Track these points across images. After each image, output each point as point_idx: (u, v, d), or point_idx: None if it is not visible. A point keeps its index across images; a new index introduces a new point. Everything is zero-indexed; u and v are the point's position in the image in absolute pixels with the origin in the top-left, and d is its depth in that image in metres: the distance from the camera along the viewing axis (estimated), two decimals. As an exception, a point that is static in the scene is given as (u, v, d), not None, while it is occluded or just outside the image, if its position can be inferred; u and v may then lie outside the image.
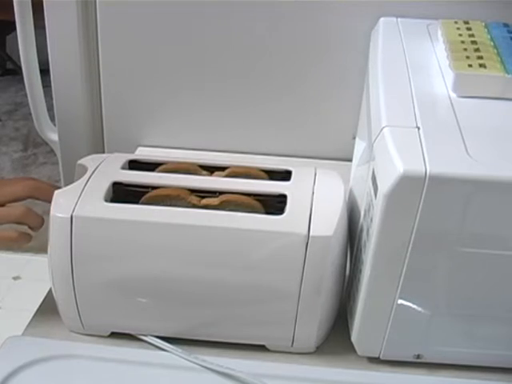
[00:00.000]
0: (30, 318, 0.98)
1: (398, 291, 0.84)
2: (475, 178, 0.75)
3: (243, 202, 0.91)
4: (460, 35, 1.01)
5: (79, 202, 0.88)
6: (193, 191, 0.93)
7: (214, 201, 0.91)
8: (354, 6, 1.21)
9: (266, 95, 1.32)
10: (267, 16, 1.24)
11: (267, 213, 0.90)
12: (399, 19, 1.15)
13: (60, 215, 0.87)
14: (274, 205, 0.92)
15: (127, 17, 1.27)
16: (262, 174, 0.98)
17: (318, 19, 1.23)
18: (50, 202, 0.88)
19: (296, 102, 1.32)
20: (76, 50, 1.29)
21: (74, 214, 0.87)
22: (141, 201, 0.92)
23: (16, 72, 3.75)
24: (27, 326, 0.97)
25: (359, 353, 0.93)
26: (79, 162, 0.98)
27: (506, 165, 0.77)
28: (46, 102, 1.41)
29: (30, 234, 0.94)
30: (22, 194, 0.93)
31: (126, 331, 0.95)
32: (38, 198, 0.93)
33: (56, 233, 0.88)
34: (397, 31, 1.10)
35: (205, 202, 0.92)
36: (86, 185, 0.91)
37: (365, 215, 0.87)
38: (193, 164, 0.99)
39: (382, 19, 1.15)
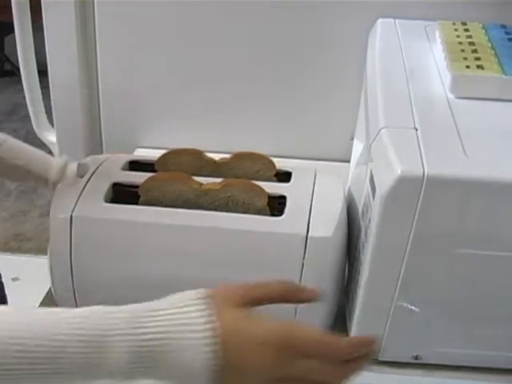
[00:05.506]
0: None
1: (397, 292, 0.84)
2: (473, 179, 0.76)
3: (245, 186, 0.91)
4: (458, 36, 1.01)
5: (79, 203, 0.89)
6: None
7: (216, 185, 0.91)
8: (351, 8, 1.21)
9: (265, 97, 1.32)
10: (265, 18, 1.24)
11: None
12: (397, 20, 1.15)
13: (60, 215, 0.88)
14: (274, 206, 0.92)
15: (125, 17, 1.27)
16: (265, 157, 0.99)
17: (316, 21, 1.23)
18: (302, 302, 0.72)
19: (294, 104, 1.32)
20: (74, 51, 1.29)
21: (73, 215, 0.87)
22: (142, 184, 0.92)
23: (14, 73, 3.74)
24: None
25: (358, 353, 0.93)
26: (80, 162, 0.98)
27: (503, 165, 0.78)
28: (44, 103, 1.41)
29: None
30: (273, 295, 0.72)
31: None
32: (289, 301, 0.73)
33: (56, 233, 0.89)
34: (394, 32, 1.10)
35: (206, 186, 0.92)
36: (85, 185, 0.92)
37: (363, 216, 0.87)
38: (196, 150, 1.00)
39: (379, 20, 1.15)
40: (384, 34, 1.11)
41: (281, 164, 0.98)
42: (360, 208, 0.90)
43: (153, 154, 1.00)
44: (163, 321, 0.61)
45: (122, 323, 0.61)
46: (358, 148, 1.06)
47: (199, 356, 0.60)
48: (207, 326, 0.61)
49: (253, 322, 0.64)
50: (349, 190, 1.03)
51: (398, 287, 0.83)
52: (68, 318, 0.61)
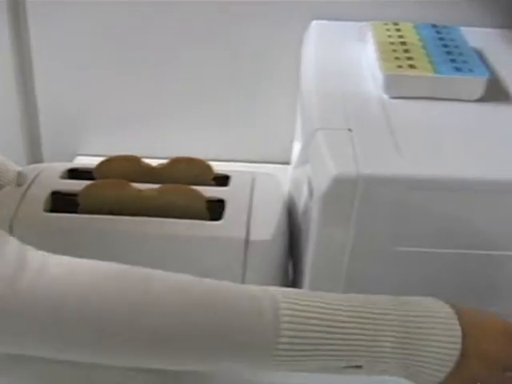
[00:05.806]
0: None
1: (341, 292, 0.84)
2: (407, 177, 0.77)
3: (183, 191, 0.91)
4: (389, 36, 1.02)
5: (18, 213, 0.88)
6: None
7: (154, 191, 0.91)
8: (286, 10, 1.21)
9: (202, 101, 1.32)
10: (199, 21, 1.25)
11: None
12: (331, 22, 1.16)
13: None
14: (213, 210, 0.92)
15: (60, 20, 1.26)
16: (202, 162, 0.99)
17: (251, 23, 1.24)
18: None
19: (232, 107, 1.32)
20: (9, 60, 1.27)
21: (13, 225, 0.86)
22: (80, 192, 0.91)
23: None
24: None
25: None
26: (18, 170, 0.97)
27: (436, 163, 0.79)
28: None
29: None
30: None
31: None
32: None
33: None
34: (329, 34, 1.11)
35: (144, 192, 0.92)
36: (24, 194, 0.91)
37: (303, 218, 0.87)
38: (134, 157, 1.00)
39: (313, 22, 1.16)
40: (318, 35, 1.12)
41: (220, 168, 0.98)
42: (300, 210, 0.90)
43: (92, 162, 1.00)
44: (416, 305, 0.63)
45: (384, 305, 0.62)
46: (297, 150, 1.07)
47: (450, 339, 0.61)
48: (453, 310, 0.63)
49: (488, 315, 0.66)
50: (289, 191, 1.03)
51: (343, 287, 0.84)
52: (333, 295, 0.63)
